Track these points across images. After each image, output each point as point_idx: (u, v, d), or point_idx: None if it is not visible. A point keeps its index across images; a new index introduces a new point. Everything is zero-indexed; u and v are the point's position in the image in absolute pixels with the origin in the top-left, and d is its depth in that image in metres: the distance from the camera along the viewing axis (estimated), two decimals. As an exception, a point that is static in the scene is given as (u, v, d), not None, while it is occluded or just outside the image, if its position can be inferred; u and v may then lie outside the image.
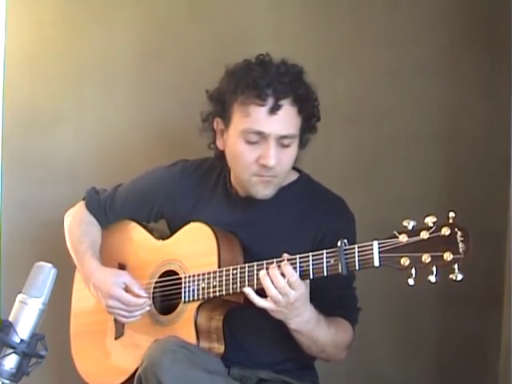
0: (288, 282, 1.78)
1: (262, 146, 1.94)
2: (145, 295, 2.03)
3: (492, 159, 2.47)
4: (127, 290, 2.03)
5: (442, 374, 2.56)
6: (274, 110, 1.90)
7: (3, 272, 2.82)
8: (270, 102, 1.91)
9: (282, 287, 1.78)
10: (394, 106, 2.60)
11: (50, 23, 2.86)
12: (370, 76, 2.61)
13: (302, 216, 2.02)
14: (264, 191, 1.98)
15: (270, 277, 1.80)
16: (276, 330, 1.89)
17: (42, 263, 1.74)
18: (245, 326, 2.00)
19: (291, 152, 1.98)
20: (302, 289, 1.79)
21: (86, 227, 2.23)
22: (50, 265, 1.74)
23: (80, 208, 2.26)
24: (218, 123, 2.02)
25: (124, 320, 2.06)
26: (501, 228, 2.31)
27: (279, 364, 2.03)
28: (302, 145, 2.03)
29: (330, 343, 1.93)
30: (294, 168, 2.08)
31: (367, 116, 2.62)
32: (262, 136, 1.93)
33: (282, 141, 1.94)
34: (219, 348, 1.96)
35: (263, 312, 1.84)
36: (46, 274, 1.72)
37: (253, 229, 2.01)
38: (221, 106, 1.99)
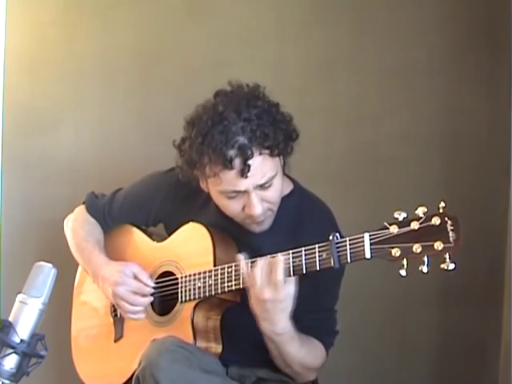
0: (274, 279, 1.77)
1: (244, 197, 1.90)
2: (152, 284, 2.03)
3: (492, 159, 2.47)
4: (135, 278, 2.03)
5: (441, 374, 2.56)
6: (244, 172, 1.84)
7: (3, 272, 2.82)
8: (238, 164, 1.84)
9: (265, 272, 1.78)
10: (394, 106, 2.60)
11: (50, 23, 2.85)
12: (370, 76, 2.61)
13: (291, 233, 2.00)
14: (260, 227, 1.97)
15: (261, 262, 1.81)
16: None
17: (42, 263, 1.73)
18: (240, 325, 1.98)
19: (276, 186, 1.93)
20: (283, 293, 1.77)
21: (89, 227, 2.23)
22: (50, 265, 1.73)
23: (81, 211, 2.27)
24: (196, 171, 1.96)
25: (128, 309, 2.03)
26: (501, 228, 2.31)
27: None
28: (288, 153, 1.98)
29: (298, 363, 1.92)
30: (289, 176, 2.06)
31: (367, 116, 2.62)
32: (240, 191, 1.90)
33: (263, 185, 1.90)
34: (216, 348, 1.95)
35: None
36: (45, 274, 1.71)
37: (242, 245, 1.99)
38: (193, 166, 1.93)
